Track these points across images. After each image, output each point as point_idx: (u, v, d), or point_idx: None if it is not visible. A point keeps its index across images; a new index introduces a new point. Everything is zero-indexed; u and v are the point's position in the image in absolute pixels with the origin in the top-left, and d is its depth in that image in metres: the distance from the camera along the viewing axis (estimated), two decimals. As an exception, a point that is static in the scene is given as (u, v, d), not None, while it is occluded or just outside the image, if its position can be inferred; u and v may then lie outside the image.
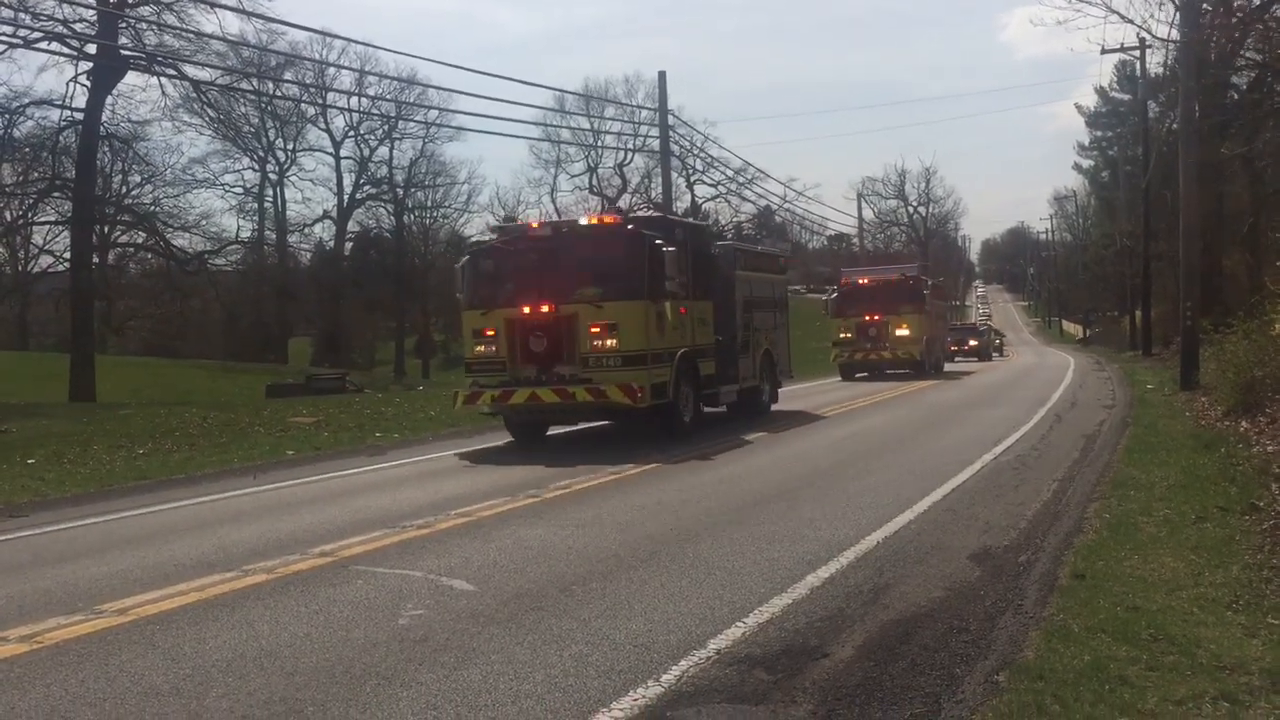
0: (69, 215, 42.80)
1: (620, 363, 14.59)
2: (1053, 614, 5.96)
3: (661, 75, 35.14)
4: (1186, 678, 4.89)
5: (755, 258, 21.68)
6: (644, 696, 4.84)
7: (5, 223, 51.13)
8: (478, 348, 15.31)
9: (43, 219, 50.60)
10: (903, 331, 33.71)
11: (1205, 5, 21.31)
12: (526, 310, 14.90)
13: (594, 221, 16.21)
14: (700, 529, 8.78)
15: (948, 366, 41.04)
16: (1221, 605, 6.07)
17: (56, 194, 43.94)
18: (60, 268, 52.92)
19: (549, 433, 17.01)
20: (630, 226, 15.78)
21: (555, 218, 39.93)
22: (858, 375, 34.44)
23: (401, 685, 5.07)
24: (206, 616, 6.46)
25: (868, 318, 34.00)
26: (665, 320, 15.44)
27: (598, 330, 14.62)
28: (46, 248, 58.79)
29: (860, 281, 35.83)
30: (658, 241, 15.33)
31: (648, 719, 4.62)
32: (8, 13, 31.78)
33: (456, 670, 5.26)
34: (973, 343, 56.90)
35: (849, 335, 34.37)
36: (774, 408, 20.68)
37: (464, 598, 6.72)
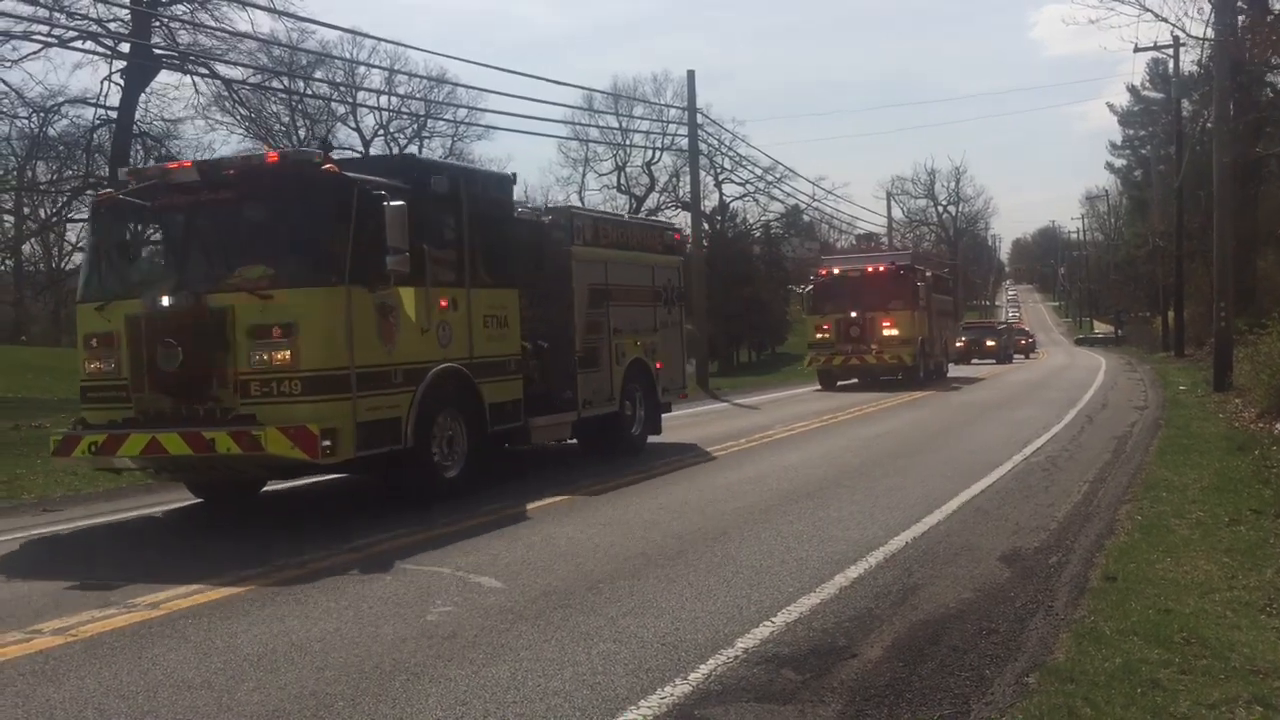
0: (102, 213, 43.14)
1: (301, 388, 9.09)
2: (1084, 616, 5.92)
3: (690, 74, 35.05)
4: (1220, 681, 4.85)
5: (615, 230, 14.91)
6: (672, 695, 4.84)
7: (39, 220, 51.73)
8: (91, 364, 9.93)
9: (77, 217, 51.15)
10: (891, 330, 28.60)
11: (1240, 3, 21.09)
12: (160, 303, 9.43)
13: (270, 160, 10.06)
14: (729, 527, 8.77)
15: (957, 370, 37.83)
16: (1255, 608, 6.01)
17: (90, 192, 44.39)
18: (94, 265, 53.28)
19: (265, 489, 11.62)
20: (328, 166, 9.73)
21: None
22: (841, 383, 30.01)
23: (430, 681, 5.10)
24: (237, 612, 6.50)
25: (849, 314, 28.79)
26: (394, 318, 9.85)
27: (266, 336, 9.17)
28: (80, 245, 59.40)
29: (840, 272, 30.58)
30: (378, 191, 9.73)
31: (676, 717, 4.62)
32: (44, 12, 32.12)
33: (485, 667, 5.28)
34: (990, 343, 53.39)
35: (827, 336, 29.23)
36: (654, 439, 15.08)
37: (492, 595, 6.74)
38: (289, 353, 9.02)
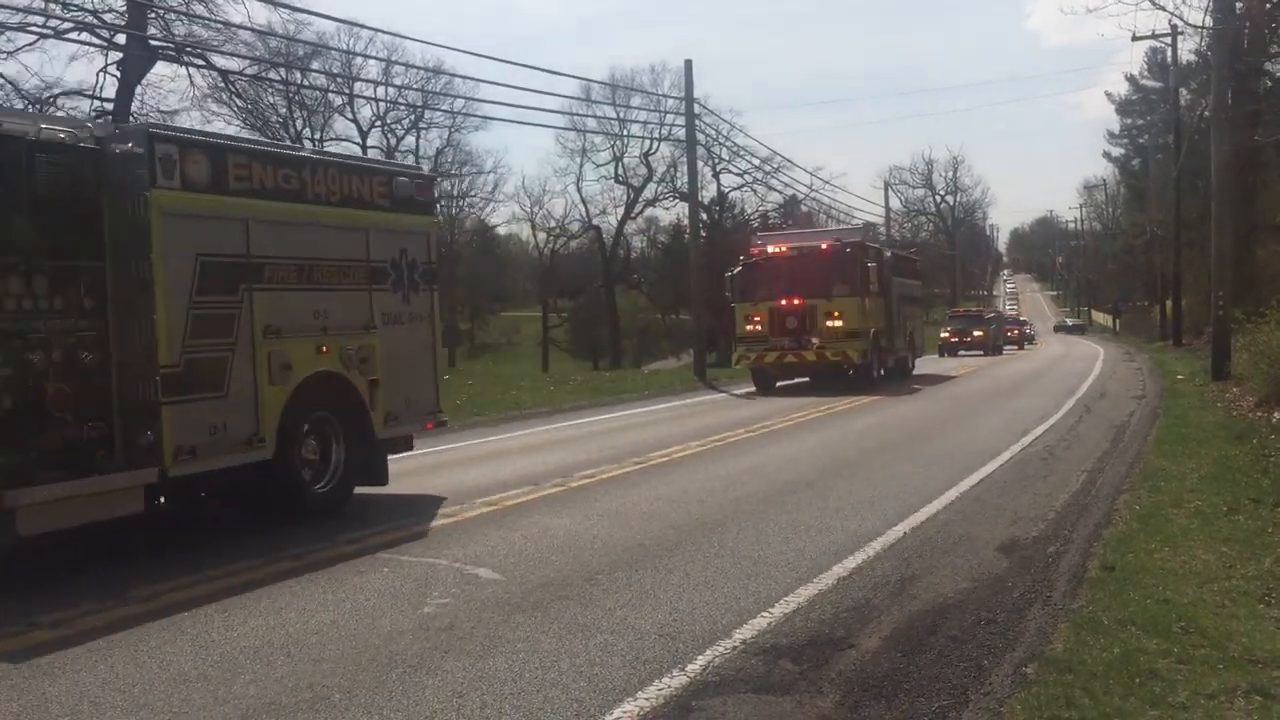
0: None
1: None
2: (1082, 606, 5.91)
3: (688, 64, 34.93)
4: (1218, 671, 4.84)
5: (270, 169, 9.02)
6: (670, 686, 4.83)
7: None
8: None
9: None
10: (835, 322, 23.88)
11: (1239, -10, 21.06)
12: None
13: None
14: (727, 518, 8.76)
15: (932, 365, 35.02)
16: (1254, 598, 6.00)
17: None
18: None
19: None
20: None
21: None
22: (783, 383, 26.01)
23: (427, 673, 5.08)
24: (232, 606, 6.49)
25: (784, 302, 24.20)
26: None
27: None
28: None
29: (774, 252, 25.30)
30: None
31: (673, 708, 4.61)
32: (39, 3, 32.04)
33: (482, 659, 5.27)
34: (977, 333, 50.11)
35: (759, 329, 24.54)
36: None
37: (489, 586, 6.73)
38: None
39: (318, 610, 6.29)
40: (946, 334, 51.19)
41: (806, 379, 26.00)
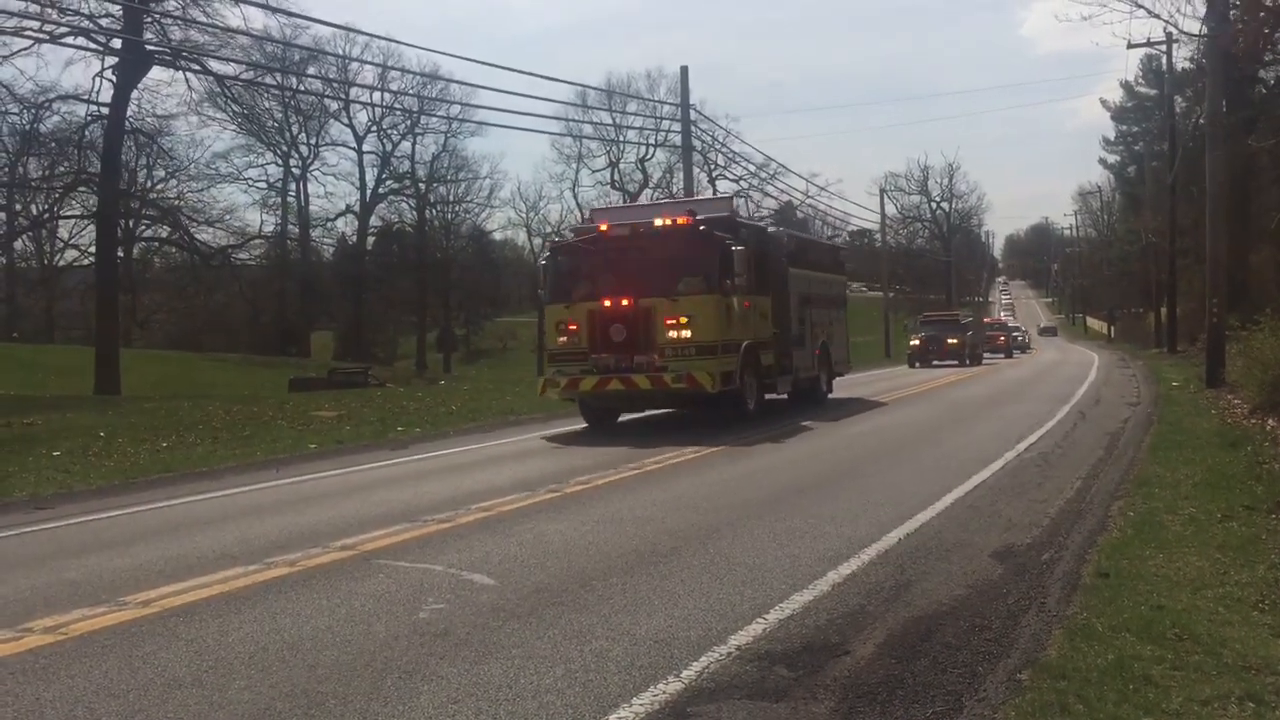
0: (94, 209, 43.28)
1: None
2: (1076, 612, 5.92)
3: (684, 70, 35.09)
4: (1212, 678, 4.85)
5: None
6: (664, 692, 4.83)
7: (31, 217, 51.64)
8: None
9: (68, 213, 51.12)
10: (680, 332, 16.46)
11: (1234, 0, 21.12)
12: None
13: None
14: (722, 524, 8.76)
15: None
16: (1247, 605, 6.01)
17: (82, 188, 44.37)
18: (85, 262, 53.55)
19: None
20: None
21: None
22: (628, 417, 19.24)
23: (422, 679, 5.08)
24: (229, 609, 6.48)
25: (609, 304, 16.81)
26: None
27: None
28: (72, 242, 59.42)
29: (601, 231, 17.69)
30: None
31: (668, 714, 4.61)
32: (35, 8, 32.04)
33: (477, 664, 5.27)
34: (951, 340, 43.88)
35: (570, 339, 17.23)
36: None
37: (485, 592, 6.73)
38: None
39: (313, 615, 6.28)
40: (916, 342, 45.74)
41: (642, 413, 19.48)
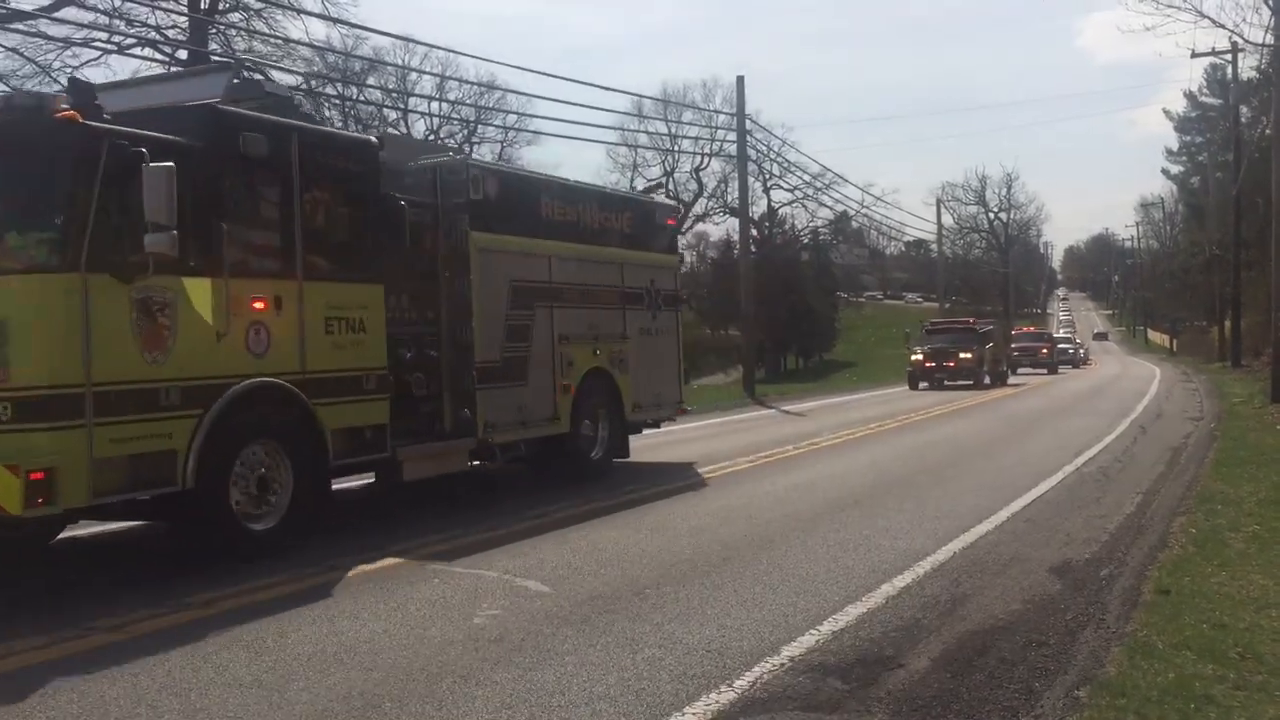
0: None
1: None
2: (1136, 629, 5.83)
3: (740, 80, 34.95)
4: (1276, 698, 4.76)
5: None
6: (717, 701, 4.84)
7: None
8: None
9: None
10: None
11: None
12: None
13: None
14: (776, 535, 8.74)
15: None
16: (1313, 625, 5.89)
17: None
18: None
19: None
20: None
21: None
22: None
23: (477, 684, 5.13)
24: (288, 612, 6.57)
25: None
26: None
27: None
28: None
29: None
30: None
31: (721, 724, 4.61)
32: (103, 19, 32.77)
33: (531, 671, 5.31)
34: (964, 356, 34.03)
35: None
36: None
37: (539, 599, 6.77)
38: None
39: (369, 619, 6.36)
40: (919, 358, 35.08)
41: None
